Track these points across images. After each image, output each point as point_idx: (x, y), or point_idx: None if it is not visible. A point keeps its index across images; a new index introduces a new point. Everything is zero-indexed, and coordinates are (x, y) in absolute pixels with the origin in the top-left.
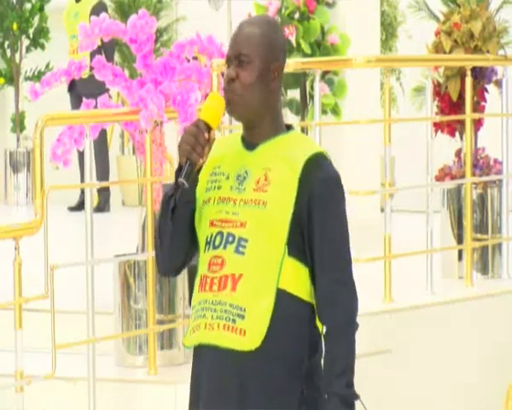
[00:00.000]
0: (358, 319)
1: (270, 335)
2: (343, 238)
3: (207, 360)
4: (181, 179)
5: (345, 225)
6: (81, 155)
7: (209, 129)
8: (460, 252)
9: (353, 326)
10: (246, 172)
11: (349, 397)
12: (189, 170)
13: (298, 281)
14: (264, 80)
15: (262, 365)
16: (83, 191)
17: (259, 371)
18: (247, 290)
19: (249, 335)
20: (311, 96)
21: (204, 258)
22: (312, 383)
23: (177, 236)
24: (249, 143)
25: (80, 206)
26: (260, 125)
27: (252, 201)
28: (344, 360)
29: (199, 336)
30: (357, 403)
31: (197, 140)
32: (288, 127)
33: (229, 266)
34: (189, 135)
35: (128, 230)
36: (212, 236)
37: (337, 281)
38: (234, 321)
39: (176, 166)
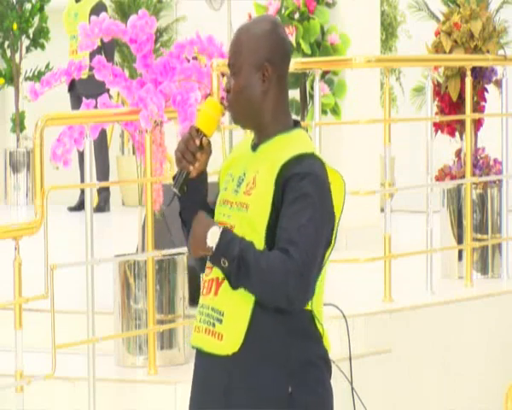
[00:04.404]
0: (357, 320)
1: (249, 339)
2: (311, 235)
3: (196, 361)
4: (173, 188)
5: (314, 226)
6: (81, 155)
7: (203, 135)
8: (460, 252)
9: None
10: (244, 175)
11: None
12: (181, 177)
13: None
14: (254, 84)
15: (244, 368)
16: (83, 191)
17: (242, 375)
18: (227, 295)
19: (226, 339)
20: (311, 96)
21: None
22: (304, 384)
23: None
24: (254, 143)
25: (80, 206)
26: (261, 126)
27: (240, 204)
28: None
29: (192, 337)
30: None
31: (187, 147)
32: (296, 124)
33: (216, 269)
34: (181, 142)
35: (128, 230)
36: None
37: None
38: (213, 325)
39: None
